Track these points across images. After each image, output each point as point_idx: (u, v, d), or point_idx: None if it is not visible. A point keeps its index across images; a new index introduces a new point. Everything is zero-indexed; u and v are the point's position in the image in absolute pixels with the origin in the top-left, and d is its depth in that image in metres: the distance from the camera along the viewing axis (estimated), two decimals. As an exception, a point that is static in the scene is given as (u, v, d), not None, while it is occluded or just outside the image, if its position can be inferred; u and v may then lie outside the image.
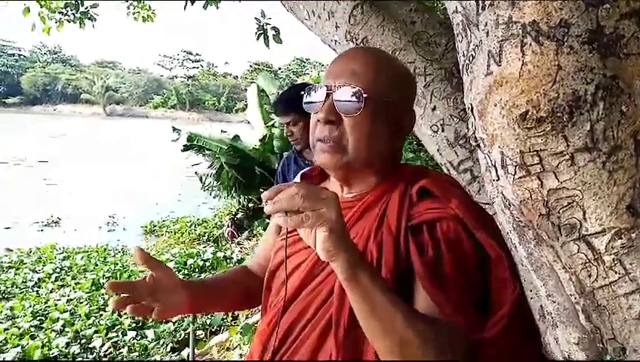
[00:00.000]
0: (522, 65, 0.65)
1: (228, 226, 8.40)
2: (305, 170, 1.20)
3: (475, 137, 0.79)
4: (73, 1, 4.54)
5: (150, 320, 4.54)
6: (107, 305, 4.93)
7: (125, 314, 4.58)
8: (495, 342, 0.81)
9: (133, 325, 4.45)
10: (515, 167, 0.71)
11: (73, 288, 5.67)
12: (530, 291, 0.95)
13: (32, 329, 4.39)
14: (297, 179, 1.19)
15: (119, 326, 4.39)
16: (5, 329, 4.27)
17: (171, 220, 10.05)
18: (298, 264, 0.97)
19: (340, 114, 0.91)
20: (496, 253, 0.88)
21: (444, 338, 0.76)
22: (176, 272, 1.10)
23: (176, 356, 3.96)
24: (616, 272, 0.71)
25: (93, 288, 5.61)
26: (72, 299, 5.18)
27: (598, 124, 0.64)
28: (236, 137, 8.32)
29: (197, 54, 76.65)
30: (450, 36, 1.26)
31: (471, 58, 0.75)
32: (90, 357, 3.92)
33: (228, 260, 6.42)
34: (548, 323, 0.90)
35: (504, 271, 0.88)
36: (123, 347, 4.05)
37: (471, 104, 0.77)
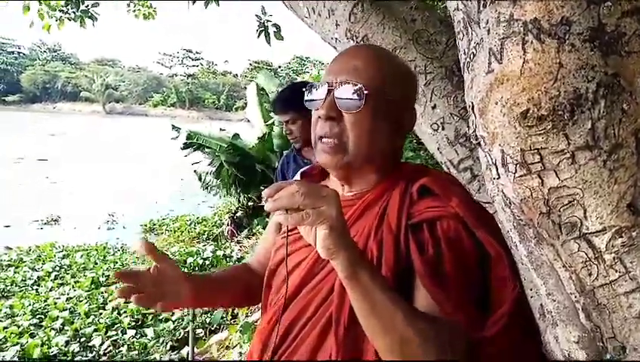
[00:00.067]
0: (523, 63, 0.65)
1: (227, 225, 8.40)
2: (305, 168, 1.20)
3: (476, 135, 0.79)
4: (74, 0, 4.54)
5: (150, 318, 4.55)
6: (107, 304, 4.93)
7: (125, 312, 4.59)
8: (495, 341, 0.81)
9: (133, 323, 4.45)
10: (516, 165, 0.71)
11: (73, 286, 5.67)
12: (531, 290, 0.95)
13: (32, 327, 4.38)
14: (297, 177, 1.19)
15: (119, 325, 4.39)
16: (5, 328, 4.26)
17: (171, 218, 10.05)
18: (298, 262, 0.97)
19: (341, 110, 0.91)
20: (496, 251, 0.88)
21: (445, 336, 0.76)
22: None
23: (175, 354, 3.96)
24: (616, 271, 0.71)
25: (93, 286, 5.61)
26: (71, 298, 5.18)
27: (599, 122, 0.64)
28: (236, 135, 8.31)
29: (197, 52, 76.49)
30: (451, 34, 1.25)
31: (472, 56, 0.75)
32: (90, 355, 3.91)
33: (227, 259, 6.42)
34: (548, 321, 0.90)
35: (504, 270, 0.88)
36: (122, 345, 4.05)
37: (472, 102, 0.77)
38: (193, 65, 76.23)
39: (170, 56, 75.53)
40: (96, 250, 7.67)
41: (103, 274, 6.01)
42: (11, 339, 4.05)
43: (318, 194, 0.70)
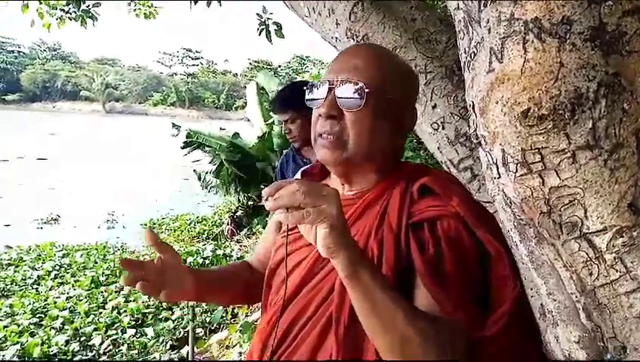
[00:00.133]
0: (524, 62, 0.65)
1: (227, 224, 8.40)
2: (305, 167, 1.20)
3: (477, 135, 0.79)
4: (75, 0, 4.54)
5: (150, 318, 4.55)
6: (107, 303, 4.93)
7: (125, 311, 4.59)
8: (495, 340, 0.81)
9: (133, 323, 4.46)
10: (517, 164, 0.71)
11: (72, 286, 5.67)
12: (531, 289, 0.94)
13: (32, 326, 4.38)
14: (298, 176, 1.19)
15: (119, 324, 4.39)
16: (5, 327, 4.27)
17: (171, 218, 10.05)
18: (299, 261, 0.97)
19: (342, 109, 0.91)
20: (497, 250, 0.88)
21: (445, 336, 0.76)
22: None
23: (175, 354, 3.96)
24: (617, 271, 0.71)
25: (93, 286, 5.61)
26: (71, 297, 5.18)
27: (600, 122, 0.64)
28: (236, 135, 8.31)
29: (197, 52, 76.48)
30: (451, 33, 1.25)
31: (472, 55, 0.75)
32: (90, 354, 3.92)
33: (227, 258, 6.42)
34: (548, 321, 0.90)
35: (504, 269, 0.88)
36: (122, 344, 4.05)
37: (472, 101, 0.76)
38: (193, 65, 76.23)
39: (170, 55, 75.51)
40: (96, 249, 7.67)
41: (103, 273, 6.01)
42: (11, 338, 4.05)
43: (318, 192, 0.70)
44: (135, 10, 5.38)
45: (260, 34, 3.77)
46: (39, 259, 7.06)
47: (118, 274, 6.02)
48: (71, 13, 4.60)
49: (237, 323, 4.02)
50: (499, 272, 0.88)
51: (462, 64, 0.81)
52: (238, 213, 8.53)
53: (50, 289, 5.68)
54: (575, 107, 0.63)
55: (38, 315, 4.66)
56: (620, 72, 0.63)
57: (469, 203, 0.92)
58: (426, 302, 0.81)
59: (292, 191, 0.69)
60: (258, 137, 7.84)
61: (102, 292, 5.28)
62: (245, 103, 10.49)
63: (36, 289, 5.77)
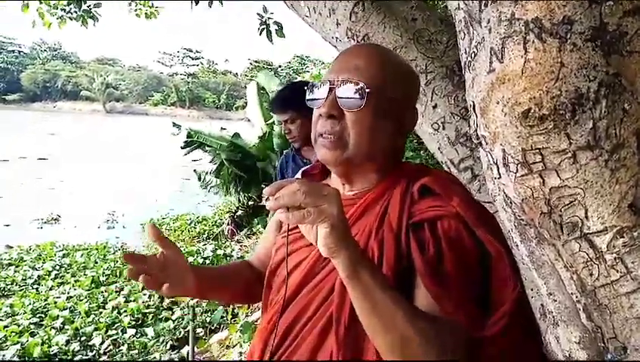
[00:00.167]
0: (525, 62, 0.65)
1: (228, 224, 8.40)
2: (306, 167, 1.20)
3: (477, 135, 0.79)
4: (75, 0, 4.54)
5: (150, 317, 4.55)
6: (107, 303, 4.93)
7: (125, 311, 4.59)
8: (496, 341, 0.81)
9: (133, 323, 4.46)
10: (517, 165, 0.71)
11: (73, 285, 5.67)
12: (532, 290, 0.94)
13: (32, 326, 4.39)
14: (298, 176, 1.19)
15: (119, 324, 4.39)
16: (5, 327, 4.27)
17: (171, 218, 10.05)
18: (299, 262, 0.97)
19: (343, 109, 0.91)
20: (497, 250, 0.88)
21: (445, 336, 0.76)
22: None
23: (175, 354, 3.96)
24: (617, 271, 0.71)
25: (93, 286, 5.61)
26: (71, 297, 5.18)
27: (600, 122, 0.64)
28: (236, 135, 8.31)
29: (197, 52, 76.48)
30: (452, 34, 1.25)
31: (473, 55, 0.75)
32: (90, 354, 3.92)
33: (228, 258, 6.43)
34: (549, 322, 0.90)
35: (505, 269, 0.88)
36: (123, 344, 4.05)
37: (473, 101, 0.76)
38: (193, 65, 76.25)
39: (171, 55, 75.51)
40: (97, 249, 7.66)
41: (103, 273, 6.02)
42: (11, 338, 4.05)
43: (319, 192, 0.70)
44: (136, 10, 5.38)
45: (260, 34, 3.78)
46: (39, 258, 7.06)
47: (118, 274, 6.02)
48: (72, 13, 4.60)
49: (237, 323, 4.02)
50: (499, 272, 0.88)
51: (462, 64, 0.81)
52: (238, 213, 8.53)
53: (51, 289, 5.69)
54: (576, 107, 0.63)
55: (38, 315, 4.67)
56: (620, 72, 0.63)
57: (470, 203, 0.92)
58: (426, 302, 0.81)
59: (293, 191, 0.69)
60: (259, 137, 7.84)
61: (102, 292, 5.28)
62: (246, 103, 10.50)
63: (36, 289, 5.77)
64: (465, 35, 0.78)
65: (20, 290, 5.72)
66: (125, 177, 15.25)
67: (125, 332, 4.24)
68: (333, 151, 0.92)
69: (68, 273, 6.32)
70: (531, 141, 0.68)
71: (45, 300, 5.08)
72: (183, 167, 12.82)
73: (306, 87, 0.99)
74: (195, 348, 3.82)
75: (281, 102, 2.49)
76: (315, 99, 0.95)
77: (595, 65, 0.62)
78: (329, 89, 0.91)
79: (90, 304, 4.88)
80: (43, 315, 4.65)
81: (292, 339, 0.91)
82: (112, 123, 45.84)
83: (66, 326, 4.34)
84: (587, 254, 0.72)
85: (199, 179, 8.46)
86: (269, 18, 3.79)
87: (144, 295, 5.03)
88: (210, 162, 8.26)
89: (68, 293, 5.34)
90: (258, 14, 3.80)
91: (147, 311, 4.69)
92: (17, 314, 4.69)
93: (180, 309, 4.67)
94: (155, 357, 3.90)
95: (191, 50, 75.37)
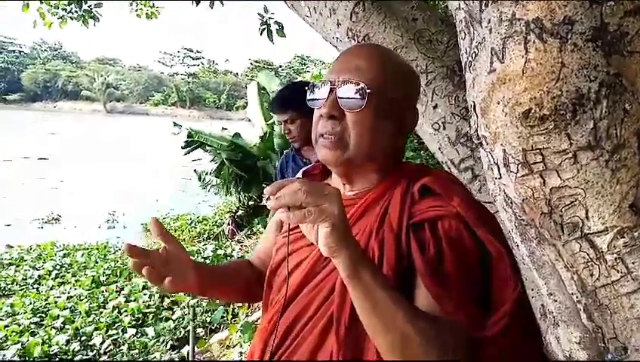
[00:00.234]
0: (525, 62, 0.65)
1: (228, 224, 8.40)
2: (307, 167, 1.20)
3: (478, 135, 0.79)
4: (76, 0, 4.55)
5: (150, 317, 4.55)
6: (107, 303, 4.93)
7: (125, 311, 4.60)
8: (496, 341, 0.81)
9: (133, 322, 4.46)
10: (518, 165, 0.71)
11: (73, 285, 5.67)
12: (532, 290, 0.94)
13: (32, 326, 4.39)
14: (299, 176, 1.19)
15: (119, 324, 4.39)
16: (5, 326, 4.27)
17: (171, 218, 10.05)
18: (300, 261, 0.97)
19: (343, 109, 0.91)
20: (498, 250, 0.88)
21: (446, 336, 0.76)
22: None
23: (176, 354, 3.96)
24: (618, 271, 0.71)
25: (94, 285, 5.62)
26: (72, 297, 5.19)
27: (601, 122, 0.64)
28: (237, 134, 8.31)
29: (198, 52, 76.54)
30: (452, 34, 1.25)
31: (473, 55, 0.75)
32: (90, 354, 3.92)
33: (228, 258, 6.43)
34: (549, 322, 0.90)
35: (505, 269, 0.88)
36: (123, 344, 4.06)
37: (473, 102, 0.76)
38: (194, 65, 76.31)
39: (171, 55, 75.59)
40: (97, 249, 7.67)
41: (104, 273, 6.02)
42: (12, 338, 4.05)
43: (320, 191, 0.70)
44: (137, 10, 5.38)
45: (261, 34, 3.79)
46: (40, 258, 7.06)
47: (118, 273, 6.02)
48: (73, 13, 4.61)
49: (237, 323, 4.02)
50: (500, 272, 0.88)
51: (463, 64, 0.81)
52: (238, 213, 8.53)
53: (51, 289, 5.69)
54: (576, 107, 0.63)
55: (38, 315, 4.67)
56: (621, 72, 0.63)
57: (470, 203, 0.92)
58: (426, 302, 0.81)
59: (294, 190, 0.69)
60: (260, 137, 7.84)
61: (102, 291, 5.29)
62: (246, 103, 10.50)
63: (37, 288, 5.78)
64: (465, 35, 0.78)
65: (21, 290, 5.72)
66: (126, 177, 15.26)
67: (126, 332, 4.24)
68: (333, 151, 0.92)
69: (68, 273, 6.32)
70: (532, 141, 0.68)
71: (46, 300, 5.09)
72: (183, 166, 12.83)
73: (306, 88, 0.99)
74: (196, 348, 3.83)
75: (281, 102, 2.48)
76: (315, 99, 0.95)
77: (596, 65, 0.62)
78: (330, 89, 0.91)
79: (90, 304, 4.89)
80: (43, 315, 4.66)
81: (292, 339, 0.91)
82: (112, 123, 45.89)
83: (67, 326, 4.34)
84: (588, 254, 0.72)
85: (199, 178, 8.46)
86: (269, 18, 3.80)
87: (144, 295, 5.03)
88: (211, 161, 8.26)
89: (68, 293, 5.34)
90: (259, 14, 3.81)
91: (147, 310, 4.70)
92: (18, 314, 4.69)
93: (181, 309, 4.68)
94: (155, 357, 3.90)
95: (191, 50, 75.46)
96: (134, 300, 4.91)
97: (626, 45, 0.62)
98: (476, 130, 0.79)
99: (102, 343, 4.05)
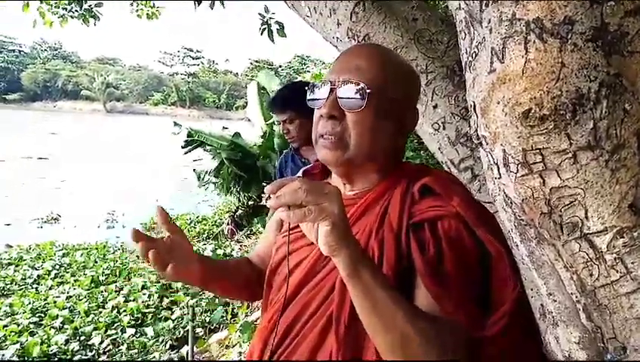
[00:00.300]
0: (525, 62, 0.65)
1: (227, 224, 8.40)
2: (307, 167, 1.20)
3: (477, 135, 0.79)
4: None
5: (149, 317, 4.55)
6: (106, 303, 4.93)
7: (124, 311, 4.60)
8: (496, 341, 0.81)
9: (133, 322, 4.46)
10: (518, 165, 0.71)
11: (72, 285, 5.67)
12: (531, 290, 0.94)
13: (31, 325, 4.38)
14: (299, 175, 1.19)
15: (118, 324, 4.39)
16: (4, 326, 4.27)
17: (171, 217, 10.02)
18: (300, 261, 0.97)
19: (343, 109, 0.91)
20: (497, 250, 0.88)
21: (445, 336, 0.76)
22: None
23: (175, 353, 3.96)
24: (617, 271, 0.71)
25: (93, 285, 5.61)
26: (71, 296, 5.18)
27: (601, 122, 0.64)
28: (237, 134, 8.30)
29: (197, 51, 76.56)
30: (452, 34, 1.25)
31: (474, 55, 0.75)
32: (89, 354, 3.92)
33: (228, 258, 6.42)
34: (548, 322, 0.90)
35: (505, 269, 0.88)
36: (122, 344, 4.05)
37: (473, 102, 0.76)
38: (194, 64, 76.32)
39: (171, 54, 75.60)
40: (96, 248, 7.66)
41: (103, 272, 6.01)
42: (11, 338, 4.05)
43: (320, 190, 0.71)
44: (137, 10, 5.38)
45: (262, 33, 3.79)
46: (39, 258, 7.06)
47: (117, 273, 6.02)
48: (73, 12, 4.61)
49: (237, 323, 4.02)
50: (499, 272, 0.88)
51: (463, 64, 0.81)
52: (238, 213, 8.52)
53: (50, 289, 5.68)
54: (576, 107, 0.63)
55: (37, 314, 4.66)
56: (621, 72, 0.63)
57: (470, 203, 0.92)
58: (426, 302, 0.81)
59: (294, 189, 0.69)
60: (260, 137, 7.83)
61: (102, 291, 5.28)
62: (246, 103, 10.48)
63: (36, 288, 5.77)
64: (465, 35, 0.78)
65: (20, 290, 5.71)
66: (125, 177, 15.25)
67: (125, 332, 4.24)
68: (334, 152, 0.92)
69: (67, 272, 6.31)
70: (532, 141, 0.68)
71: (45, 299, 5.08)
72: (183, 166, 12.82)
73: (305, 87, 0.99)
74: (195, 348, 3.82)
75: (280, 102, 2.48)
76: (315, 99, 0.95)
77: (596, 65, 0.62)
78: (330, 89, 0.91)
79: (89, 303, 4.88)
80: (42, 315, 4.65)
81: (292, 338, 0.91)
82: (112, 122, 45.88)
83: (66, 326, 4.34)
84: (587, 254, 0.72)
85: (198, 178, 8.46)
86: (270, 18, 3.81)
87: (144, 294, 5.03)
88: (213, 159, 8.24)
89: (67, 293, 5.34)
90: (260, 14, 3.81)
91: (147, 310, 4.69)
92: (17, 314, 4.68)
93: (180, 309, 4.68)
94: (154, 357, 3.90)
95: (191, 50, 75.48)
96: (133, 300, 4.91)
97: (626, 45, 0.62)
98: (476, 130, 0.79)
99: (101, 343, 4.05)
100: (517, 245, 0.88)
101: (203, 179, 8.39)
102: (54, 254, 7.22)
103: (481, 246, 0.88)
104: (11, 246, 7.89)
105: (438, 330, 0.76)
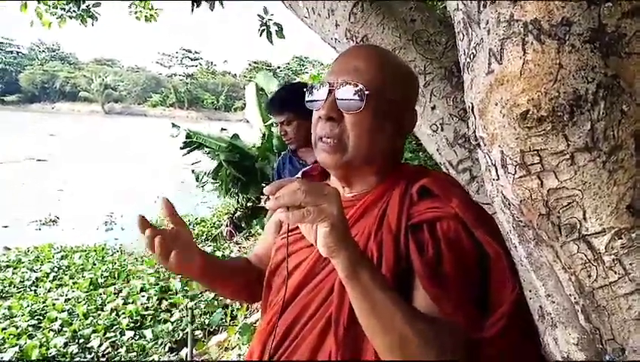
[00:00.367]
0: (523, 63, 0.65)
1: (226, 225, 8.39)
2: (306, 168, 1.20)
3: (475, 136, 0.79)
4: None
5: (149, 319, 4.54)
6: (105, 305, 4.92)
7: (123, 313, 4.59)
8: (494, 342, 0.81)
9: (132, 325, 4.45)
10: (515, 166, 0.71)
11: (71, 287, 5.65)
12: (530, 291, 0.94)
13: (30, 328, 4.37)
14: (298, 176, 1.19)
15: (117, 326, 4.38)
16: (3, 329, 4.25)
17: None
18: (299, 263, 0.97)
19: (342, 111, 0.91)
20: (496, 251, 0.88)
21: (444, 337, 0.76)
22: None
23: (174, 356, 3.95)
24: (615, 272, 0.71)
25: (91, 287, 5.59)
26: (69, 299, 5.17)
27: (598, 124, 0.64)
28: (235, 136, 8.30)
29: (196, 52, 76.55)
30: (451, 35, 1.25)
31: (472, 56, 0.75)
32: (88, 356, 3.91)
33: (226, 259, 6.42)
34: (547, 323, 0.90)
35: (503, 270, 0.88)
36: (121, 347, 4.04)
37: (471, 103, 0.77)
38: (192, 66, 76.31)
39: (170, 56, 75.60)
40: (95, 250, 7.64)
41: (102, 275, 6.00)
42: (10, 341, 4.03)
43: (319, 191, 0.70)
44: (136, 12, 5.38)
45: (260, 35, 3.79)
46: (38, 260, 7.03)
47: (116, 275, 6.01)
48: (71, 12, 4.61)
49: (236, 325, 4.01)
50: (498, 274, 0.88)
51: (461, 65, 0.81)
52: (236, 215, 8.51)
53: (49, 291, 5.66)
54: (574, 109, 0.64)
55: (36, 317, 4.65)
56: (618, 73, 0.63)
57: (469, 204, 0.92)
58: (425, 304, 0.81)
59: (293, 190, 0.69)
60: (260, 138, 7.83)
61: (100, 294, 5.27)
62: (244, 104, 10.47)
63: (34, 290, 5.75)
64: (464, 36, 0.78)
65: (18, 292, 5.69)
66: (124, 178, 15.22)
67: (124, 335, 4.22)
68: (333, 155, 0.92)
69: (66, 275, 6.29)
70: (529, 142, 0.68)
71: (43, 302, 5.06)
72: (182, 168, 12.79)
73: (303, 89, 0.99)
74: (194, 350, 3.82)
75: (278, 104, 2.47)
76: (314, 100, 0.95)
77: (594, 66, 0.62)
78: (328, 91, 0.91)
79: (88, 306, 4.87)
80: (41, 317, 4.64)
81: (291, 340, 0.91)
82: (110, 124, 45.82)
83: (65, 329, 4.32)
84: (585, 255, 0.72)
85: (197, 179, 8.44)
86: (269, 19, 3.81)
87: (142, 297, 5.02)
88: (212, 159, 8.23)
89: (66, 295, 5.32)
90: (259, 15, 3.82)
91: (146, 313, 4.68)
92: (15, 316, 4.67)
93: (179, 311, 4.67)
94: (153, 359, 3.89)
95: (190, 51, 75.47)
96: (132, 302, 4.90)
97: (623, 47, 0.62)
98: (474, 132, 0.79)
99: (100, 346, 4.03)
100: (515, 246, 0.88)
101: (201, 181, 8.38)
102: (53, 256, 7.19)
103: (480, 247, 0.88)
104: (9, 249, 7.86)
105: (437, 331, 0.76)
